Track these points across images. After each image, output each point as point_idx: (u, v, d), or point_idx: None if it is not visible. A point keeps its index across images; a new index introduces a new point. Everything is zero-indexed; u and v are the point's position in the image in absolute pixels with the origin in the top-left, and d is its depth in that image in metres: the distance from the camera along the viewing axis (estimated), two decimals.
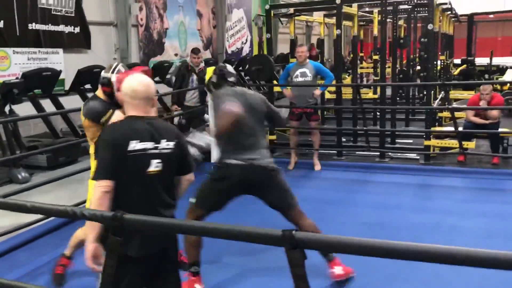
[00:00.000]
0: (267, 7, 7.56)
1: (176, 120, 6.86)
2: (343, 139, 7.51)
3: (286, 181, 3.51)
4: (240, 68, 13.12)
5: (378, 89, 8.88)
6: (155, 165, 2.29)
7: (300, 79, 6.41)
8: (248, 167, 3.29)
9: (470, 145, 6.64)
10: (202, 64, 7.02)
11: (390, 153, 7.23)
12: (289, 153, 7.00)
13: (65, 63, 9.77)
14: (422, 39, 10.58)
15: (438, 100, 8.41)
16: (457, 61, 13.99)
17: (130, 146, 2.23)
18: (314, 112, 6.60)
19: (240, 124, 3.23)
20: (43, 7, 9.44)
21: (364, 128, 6.78)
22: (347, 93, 9.18)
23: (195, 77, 6.84)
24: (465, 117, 6.92)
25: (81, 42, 10.46)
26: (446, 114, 8.19)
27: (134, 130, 2.28)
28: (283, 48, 19.37)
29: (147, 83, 2.38)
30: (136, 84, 2.35)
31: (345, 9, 7.37)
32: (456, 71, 13.43)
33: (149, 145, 2.29)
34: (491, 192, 5.64)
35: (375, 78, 9.74)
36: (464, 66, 13.53)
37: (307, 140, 7.55)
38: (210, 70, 3.54)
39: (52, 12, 9.67)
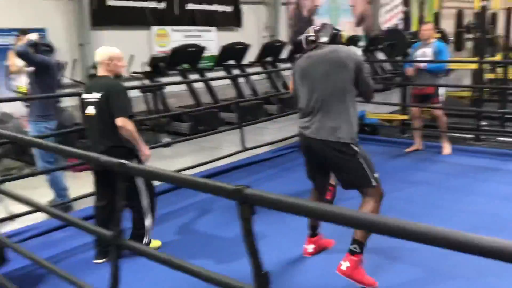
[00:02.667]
0: None
1: None
2: (484, 123, 6.81)
3: (364, 161, 3.12)
4: None
5: None
6: (90, 110, 3.39)
7: (420, 59, 6.03)
8: (304, 136, 3.17)
9: None
10: None
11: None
12: (431, 136, 6.60)
13: (218, 40, 10.57)
14: None
15: None
16: None
17: (83, 96, 3.48)
18: (434, 95, 6.13)
19: (297, 91, 3.25)
20: None
21: (500, 110, 6.06)
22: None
23: None
24: None
25: (232, 20, 11.18)
26: None
27: (86, 86, 3.69)
28: (448, 24, 17.95)
29: (98, 52, 3.45)
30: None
31: None
32: None
33: (87, 96, 3.42)
34: None
35: None
36: None
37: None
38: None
39: None
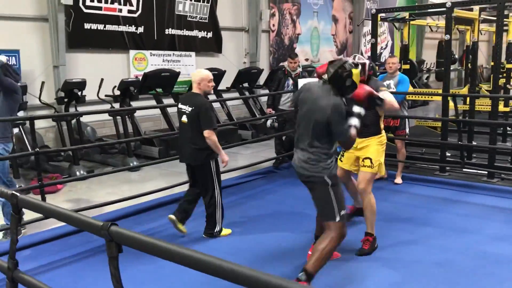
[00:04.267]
0: (373, 11, 7.28)
1: (269, 122, 7.05)
2: (449, 154, 6.88)
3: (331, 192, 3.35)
4: None
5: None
6: (184, 118, 4.33)
7: None
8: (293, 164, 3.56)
9: None
10: (299, 69, 7.08)
11: (503, 174, 6.43)
12: (393, 164, 6.71)
13: (196, 65, 10.64)
14: None
15: None
16: None
17: (179, 106, 4.42)
18: (399, 127, 6.24)
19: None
20: (180, 14, 10.44)
21: (460, 142, 6.14)
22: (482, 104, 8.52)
23: (291, 81, 6.94)
24: None
25: (212, 46, 11.28)
26: None
27: (182, 97, 4.59)
28: (429, 54, 18.24)
29: (193, 74, 4.50)
30: None
31: (460, 13, 6.71)
32: None
33: (182, 106, 4.35)
34: None
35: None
36: None
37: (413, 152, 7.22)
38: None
39: (188, 19, 10.63)
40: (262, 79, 10.94)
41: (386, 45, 16.76)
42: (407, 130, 6.47)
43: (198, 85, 4.31)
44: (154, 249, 1.30)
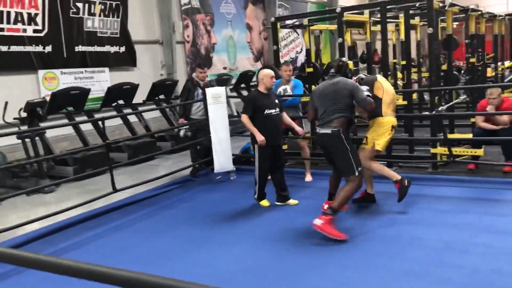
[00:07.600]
0: (272, 19, 7.68)
1: (182, 132, 7.21)
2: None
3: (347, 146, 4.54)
4: None
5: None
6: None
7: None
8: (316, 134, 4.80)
9: (479, 152, 6.23)
10: (208, 79, 7.31)
11: (400, 163, 6.99)
12: (301, 162, 7.11)
13: (111, 81, 10.59)
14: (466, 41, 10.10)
15: (448, 104, 7.69)
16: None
17: None
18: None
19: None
20: (89, 30, 10.36)
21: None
22: None
23: (200, 91, 7.14)
24: (476, 123, 6.52)
25: (126, 60, 11.26)
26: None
27: None
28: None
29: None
30: None
31: (352, 17, 7.25)
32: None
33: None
34: (482, 202, 5.28)
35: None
36: None
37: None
38: None
39: (98, 35, 10.56)
40: (179, 90, 11.07)
41: (301, 49, 17.39)
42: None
43: (262, 81, 5.44)
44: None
